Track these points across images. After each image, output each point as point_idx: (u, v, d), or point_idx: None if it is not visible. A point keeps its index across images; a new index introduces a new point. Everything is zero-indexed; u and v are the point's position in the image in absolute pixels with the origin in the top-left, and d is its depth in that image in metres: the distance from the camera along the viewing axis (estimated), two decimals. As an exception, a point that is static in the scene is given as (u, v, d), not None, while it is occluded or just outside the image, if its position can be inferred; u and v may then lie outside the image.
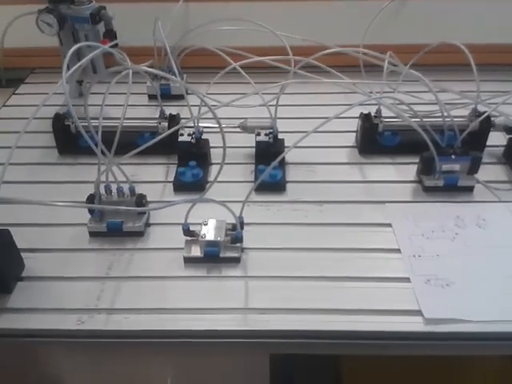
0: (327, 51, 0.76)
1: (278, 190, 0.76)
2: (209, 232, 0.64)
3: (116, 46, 0.89)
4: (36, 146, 0.87)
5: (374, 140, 0.83)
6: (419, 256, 0.64)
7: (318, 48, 0.81)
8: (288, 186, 0.77)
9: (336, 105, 0.94)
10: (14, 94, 1.04)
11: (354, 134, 0.87)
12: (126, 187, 0.68)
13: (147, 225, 0.70)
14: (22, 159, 0.84)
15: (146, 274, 0.63)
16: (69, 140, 0.83)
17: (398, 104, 0.77)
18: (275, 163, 0.66)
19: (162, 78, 1.00)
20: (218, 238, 0.63)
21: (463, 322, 0.56)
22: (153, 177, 0.80)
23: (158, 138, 0.66)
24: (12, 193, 0.77)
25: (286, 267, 0.63)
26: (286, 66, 0.81)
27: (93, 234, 0.68)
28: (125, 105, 0.70)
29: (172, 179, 0.78)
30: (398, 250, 0.65)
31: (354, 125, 0.86)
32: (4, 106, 1.00)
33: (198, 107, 0.78)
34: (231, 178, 0.79)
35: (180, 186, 0.76)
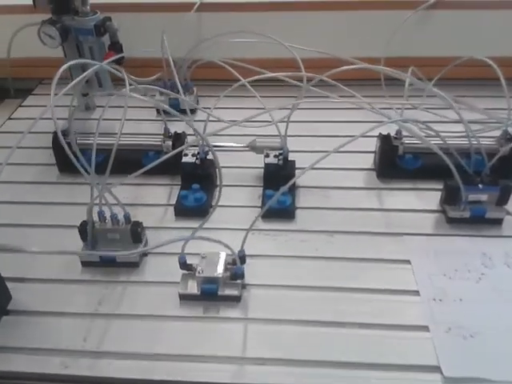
0: (346, 68, 0.69)
1: (286, 218, 0.70)
2: (207, 267, 0.59)
3: (122, 59, 0.85)
4: (37, 162, 0.84)
5: (394, 163, 0.76)
6: (440, 300, 0.58)
7: (335, 61, 0.75)
8: (298, 212, 0.71)
9: (351, 121, 0.88)
10: (20, 106, 1.01)
11: (372, 154, 0.81)
12: (121, 213, 0.64)
13: (144, 254, 0.65)
14: (22, 177, 0.81)
15: (138, 312, 0.58)
16: (69, 158, 0.79)
17: (420, 122, 0.70)
18: (284, 189, 0.60)
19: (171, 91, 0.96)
20: (217, 274, 0.58)
21: (488, 382, 0.49)
22: (154, 199, 0.75)
23: (160, 160, 0.62)
24: (7, 213, 0.75)
25: (291, 309, 0.57)
26: (298, 83, 0.76)
27: (85, 264, 0.63)
28: (121, 123, 0.65)
29: (174, 202, 0.73)
30: (416, 292, 0.59)
31: (372, 144, 0.80)
32: (9, 118, 0.97)
33: (204, 124, 0.73)
34: (237, 202, 0.74)
35: (181, 211, 0.71)
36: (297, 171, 0.76)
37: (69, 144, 0.79)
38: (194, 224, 0.68)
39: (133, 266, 0.63)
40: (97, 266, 0.63)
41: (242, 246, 0.59)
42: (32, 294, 0.61)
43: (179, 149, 0.66)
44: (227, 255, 0.60)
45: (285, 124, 0.72)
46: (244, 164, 0.80)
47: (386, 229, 0.68)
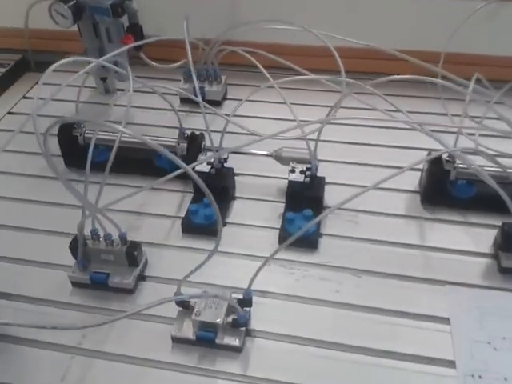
0: (395, 77, 0.57)
1: (307, 247, 0.60)
2: (206, 308, 0.50)
3: (142, 46, 0.76)
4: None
5: (443, 189, 0.65)
6: (479, 377, 0.48)
7: (382, 55, 0.64)
8: (321, 241, 0.61)
9: (397, 128, 0.76)
10: (37, 83, 0.94)
11: (419, 172, 0.69)
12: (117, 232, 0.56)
13: (141, 278, 0.58)
14: (23, 169, 0.74)
15: (124, 352, 0.51)
16: (77, 152, 0.72)
17: (481, 152, 0.58)
18: (311, 225, 0.49)
19: (197, 79, 0.86)
20: (216, 320, 0.49)
21: None
22: (162, 209, 0.67)
23: (173, 174, 0.52)
24: (4, 213, 0.69)
25: (301, 371, 0.48)
26: (336, 86, 0.65)
27: (75, 285, 0.57)
28: (122, 124, 0.56)
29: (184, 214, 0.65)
30: (452, 364, 0.49)
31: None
32: (24, 97, 0.91)
33: (221, 135, 0.63)
34: (254, 219, 0.65)
35: (189, 228, 0.63)
36: (326, 189, 0.66)
37: (76, 138, 0.73)
38: (203, 244, 0.61)
39: (127, 292, 0.56)
40: (87, 289, 0.56)
41: (250, 286, 0.50)
42: (15, 314, 0.55)
43: (190, 166, 0.56)
44: (232, 292, 0.52)
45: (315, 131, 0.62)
46: (267, 173, 0.71)
47: (426, 273, 0.57)
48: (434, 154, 0.50)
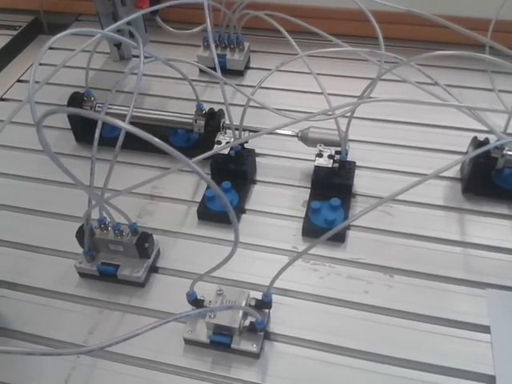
0: (441, 53, 0.49)
1: (334, 240, 0.55)
2: (221, 311, 0.46)
3: (157, 11, 0.69)
4: (54, 125, 0.72)
5: (489, 178, 0.58)
6: (525, 399, 0.43)
7: (422, 20, 0.56)
8: (349, 234, 0.56)
9: (434, 103, 0.69)
10: (50, 48, 0.88)
11: (461, 156, 0.62)
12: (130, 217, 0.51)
13: (153, 269, 0.54)
14: (32, 143, 0.69)
15: (133, 353, 0.47)
16: (88, 127, 0.66)
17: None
18: (339, 229, 0.42)
19: (218, 45, 0.79)
20: (232, 324, 0.45)
21: None
22: (178, 192, 0.62)
23: (202, 156, 0.48)
24: (10, 192, 0.64)
25: (324, 382, 0.44)
26: (374, 60, 0.58)
27: (83, 275, 0.53)
28: (130, 109, 0.50)
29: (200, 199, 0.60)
30: (492, 379, 0.44)
31: (463, 142, 0.61)
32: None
33: (243, 111, 0.57)
34: (276, 207, 0.60)
35: (205, 216, 0.58)
36: (356, 173, 0.60)
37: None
38: (220, 233, 0.57)
39: (137, 285, 0.52)
40: (95, 279, 0.52)
41: (270, 289, 0.45)
42: (19, 307, 0.51)
43: (211, 152, 0.50)
44: (250, 294, 0.47)
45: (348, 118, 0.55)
46: (291, 154, 0.65)
47: (465, 274, 0.51)
48: (484, 148, 0.43)
